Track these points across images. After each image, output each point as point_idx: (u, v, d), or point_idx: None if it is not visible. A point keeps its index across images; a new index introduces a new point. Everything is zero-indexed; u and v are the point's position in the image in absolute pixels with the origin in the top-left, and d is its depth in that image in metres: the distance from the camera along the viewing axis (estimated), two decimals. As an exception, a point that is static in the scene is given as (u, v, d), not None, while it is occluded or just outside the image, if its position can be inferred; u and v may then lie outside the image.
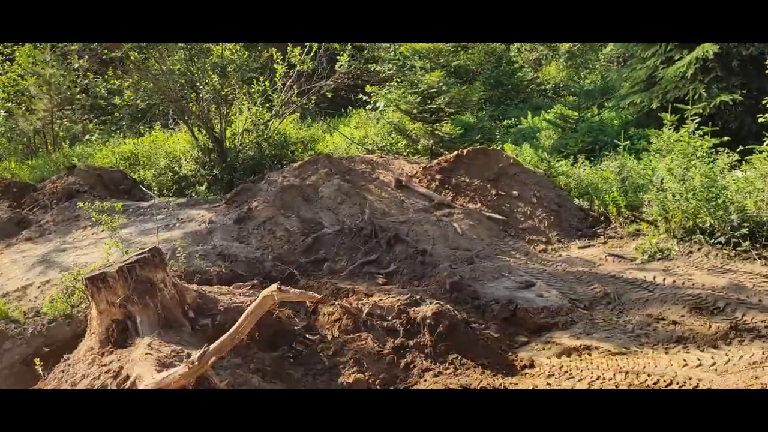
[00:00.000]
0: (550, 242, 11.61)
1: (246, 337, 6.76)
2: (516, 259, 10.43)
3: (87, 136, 21.86)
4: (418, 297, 7.76)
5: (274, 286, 4.49)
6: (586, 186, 13.61)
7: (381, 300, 7.75)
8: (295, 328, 7.48)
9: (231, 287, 7.86)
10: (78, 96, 23.99)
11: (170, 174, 14.76)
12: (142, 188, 13.82)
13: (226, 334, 4.67)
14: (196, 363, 4.36)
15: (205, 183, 14.14)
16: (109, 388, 5.26)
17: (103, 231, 11.40)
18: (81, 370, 5.82)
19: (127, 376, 5.26)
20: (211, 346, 4.55)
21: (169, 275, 6.56)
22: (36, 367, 6.57)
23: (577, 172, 14.27)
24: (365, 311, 7.58)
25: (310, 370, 7.31)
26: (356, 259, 9.55)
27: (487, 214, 11.72)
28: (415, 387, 6.71)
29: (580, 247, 11.33)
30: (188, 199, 13.29)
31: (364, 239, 9.90)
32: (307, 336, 7.91)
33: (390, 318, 7.50)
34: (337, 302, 7.87)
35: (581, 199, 13.15)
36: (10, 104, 20.51)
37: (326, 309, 8.08)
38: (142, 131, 18.57)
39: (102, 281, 6.16)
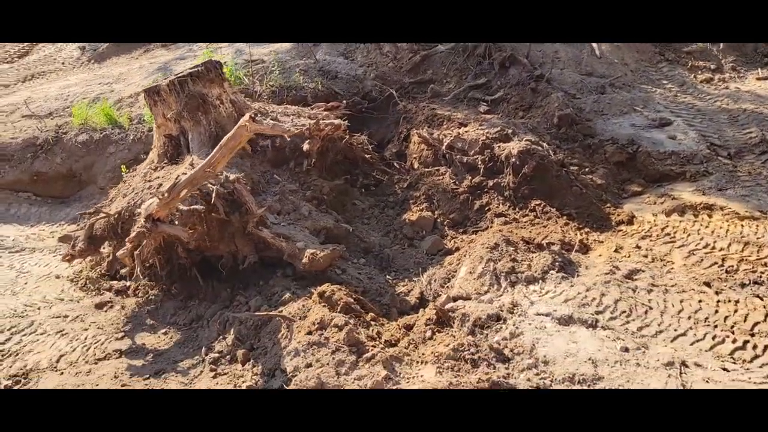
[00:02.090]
0: (720, 70, 9.42)
1: (310, 160, 6.39)
2: (663, 91, 8.63)
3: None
4: (509, 131, 6.71)
5: (247, 116, 3.88)
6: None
7: (467, 132, 6.83)
8: (367, 155, 6.92)
9: (304, 107, 7.37)
10: None
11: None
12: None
13: (198, 166, 4.24)
14: (166, 195, 4.04)
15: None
16: (146, 202, 5.17)
17: (226, 40, 11.32)
18: (134, 183, 5.88)
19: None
20: (182, 179, 4.17)
21: (227, 91, 6.19)
22: (123, 172, 6.87)
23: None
24: (446, 143, 6.76)
25: (381, 202, 6.86)
26: (464, 83, 8.48)
27: (643, 32, 9.66)
28: (482, 232, 5.99)
29: (759, 78, 9.07)
30: (316, 8, 12.60)
31: (477, 59, 8.69)
32: (394, 164, 7.38)
33: (472, 153, 6.62)
34: (415, 131, 7.10)
35: (780, 17, 10.33)
36: None
37: (416, 138, 7.38)
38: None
39: (157, 94, 5.97)
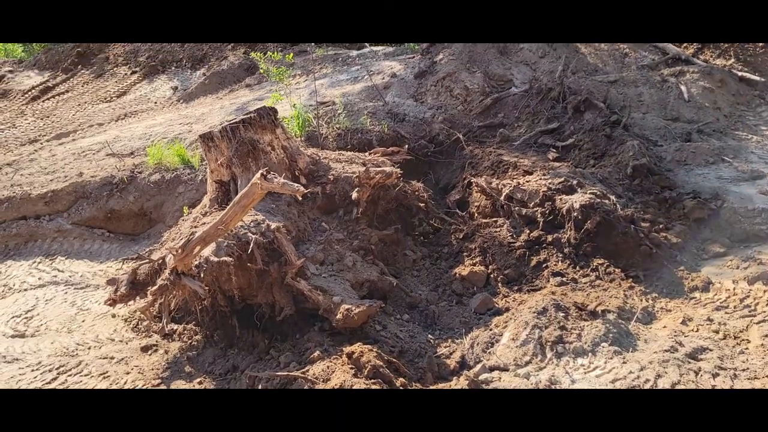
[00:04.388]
0: (831, 115, 8.47)
1: (357, 209, 6.24)
2: (761, 138, 7.82)
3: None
4: (574, 182, 6.26)
5: (258, 174, 3.77)
6: None
7: (528, 182, 6.45)
8: (421, 204, 6.68)
9: (368, 150, 7.26)
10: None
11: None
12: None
13: (212, 223, 4.16)
14: (180, 251, 3.98)
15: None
16: (168, 255, 5.14)
17: (305, 81, 11.54)
18: (183, 227, 5.94)
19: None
20: (196, 236, 4.10)
21: (279, 138, 6.19)
22: (184, 213, 7.01)
23: None
24: (504, 193, 6.40)
25: (434, 253, 6.58)
26: (536, 127, 8.08)
27: (740, 73, 8.88)
28: (536, 292, 5.57)
29: None
30: (396, 48, 12.61)
31: (551, 103, 8.28)
32: (455, 212, 7.11)
33: (532, 205, 6.23)
34: (474, 179, 6.80)
35: None
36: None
37: (476, 186, 7.07)
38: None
39: (211, 140, 6.06)
